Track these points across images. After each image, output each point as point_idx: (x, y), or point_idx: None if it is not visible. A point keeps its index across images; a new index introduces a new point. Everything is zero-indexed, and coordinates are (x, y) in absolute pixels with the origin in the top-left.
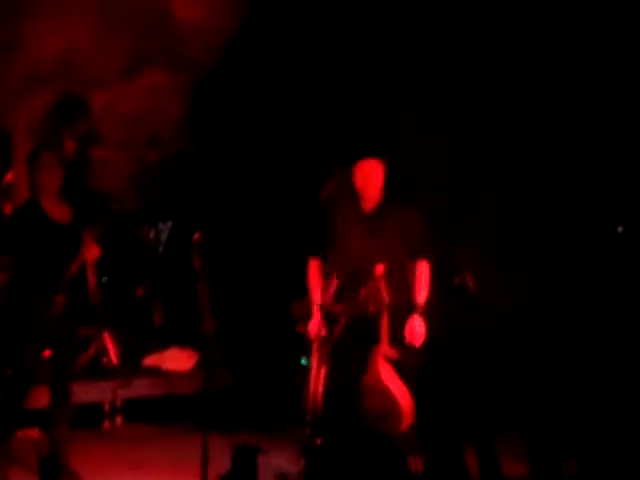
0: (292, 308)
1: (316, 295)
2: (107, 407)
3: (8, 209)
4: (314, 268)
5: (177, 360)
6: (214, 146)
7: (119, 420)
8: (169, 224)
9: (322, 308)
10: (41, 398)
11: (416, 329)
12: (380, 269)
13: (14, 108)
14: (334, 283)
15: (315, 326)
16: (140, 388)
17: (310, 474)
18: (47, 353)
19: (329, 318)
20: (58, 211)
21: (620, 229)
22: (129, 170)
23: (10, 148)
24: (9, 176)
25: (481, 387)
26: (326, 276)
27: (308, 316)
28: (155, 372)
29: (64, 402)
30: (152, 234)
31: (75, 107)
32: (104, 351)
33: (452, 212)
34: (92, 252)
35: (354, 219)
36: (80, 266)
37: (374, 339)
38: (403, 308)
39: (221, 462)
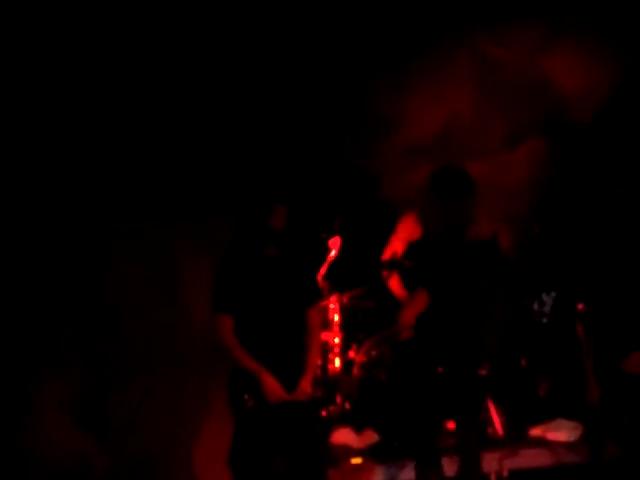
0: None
1: None
2: (494, 478)
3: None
4: None
5: (563, 430)
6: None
7: None
8: (553, 295)
9: None
10: None
11: None
12: None
13: (394, 182)
14: None
15: None
16: (526, 459)
17: None
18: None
19: None
20: None
21: None
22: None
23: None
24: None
25: None
26: None
27: None
28: (541, 443)
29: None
30: (536, 306)
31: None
32: (489, 421)
33: None
34: None
35: None
36: None
37: None
38: None
39: None
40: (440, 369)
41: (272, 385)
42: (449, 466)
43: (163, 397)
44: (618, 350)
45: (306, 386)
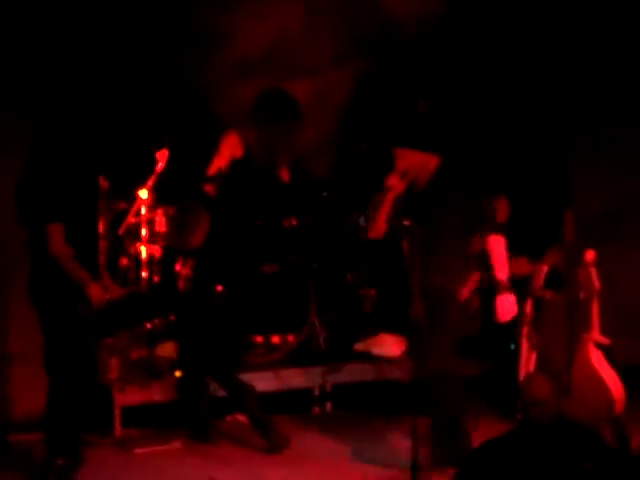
0: None
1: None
2: (317, 392)
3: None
4: None
5: (387, 345)
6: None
7: (329, 406)
8: None
9: (532, 293)
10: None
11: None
12: (591, 255)
13: (224, 97)
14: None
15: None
16: (350, 374)
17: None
18: None
19: (539, 303)
20: None
21: None
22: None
23: (219, 135)
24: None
25: None
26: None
27: None
28: (365, 357)
29: None
30: (362, 221)
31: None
32: (314, 336)
33: None
34: None
35: None
36: None
37: (584, 325)
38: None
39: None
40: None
41: (98, 292)
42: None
43: None
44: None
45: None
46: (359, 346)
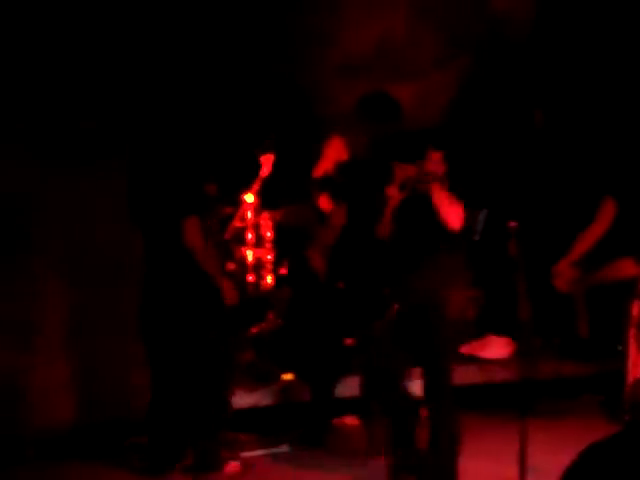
0: None
1: None
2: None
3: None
4: None
5: (494, 348)
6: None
7: None
8: (484, 212)
9: (638, 295)
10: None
11: None
12: None
13: (328, 99)
14: None
15: None
16: (457, 376)
17: None
18: None
19: None
20: None
21: None
22: None
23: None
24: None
25: None
26: None
27: None
28: (472, 360)
29: None
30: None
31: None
32: None
33: None
34: None
35: None
36: None
37: None
38: None
39: (539, 450)
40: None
41: (231, 287)
42: None
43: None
44: (549, 268)
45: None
46: (466, 348)
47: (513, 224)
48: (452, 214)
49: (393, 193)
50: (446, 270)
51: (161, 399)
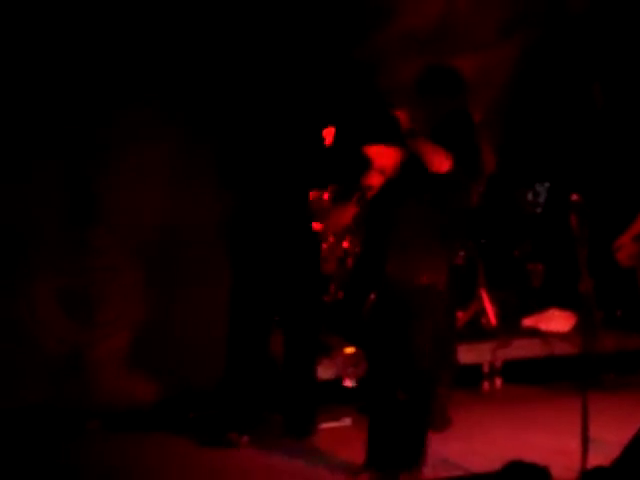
0: None
1: None
2: (486, 368)
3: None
4: None
5: (556, 321)
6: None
7: (498, 381)
8: (547, 185)
9: None
10: None
11: None
12: None
13: (389, 73)
14: None
15: None
16: (519, 349)
17: None
18: None
19: None
20: None
21: None
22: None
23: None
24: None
25: None
26: None
27: None
28: (534, 333)
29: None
30: (530, 196)
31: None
32: (483, 312)
33: None
34: None
35: None
36: None
37: None
38: None
39: (600, 423)
40: None
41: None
42: None
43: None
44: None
45: None
46: (528, 321)
47: (575, 197)
48: (437, 157)
49: (373, 181)
50: (415, 257)
51: (239, 366)
